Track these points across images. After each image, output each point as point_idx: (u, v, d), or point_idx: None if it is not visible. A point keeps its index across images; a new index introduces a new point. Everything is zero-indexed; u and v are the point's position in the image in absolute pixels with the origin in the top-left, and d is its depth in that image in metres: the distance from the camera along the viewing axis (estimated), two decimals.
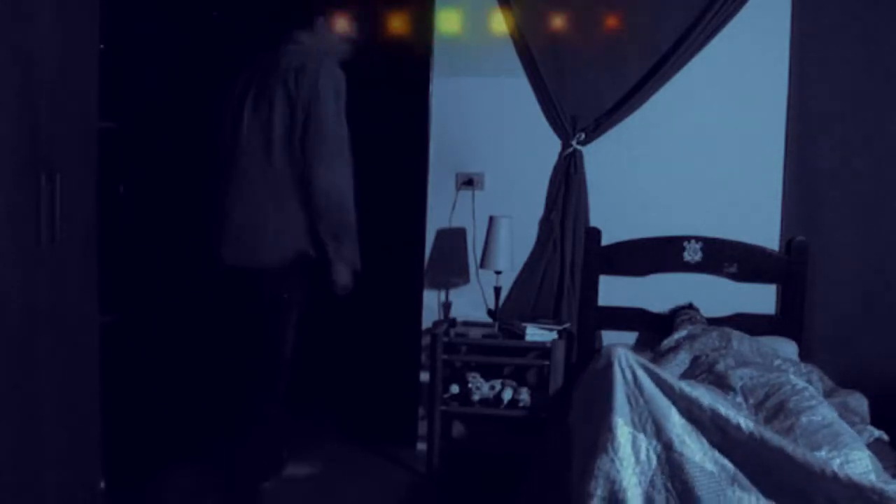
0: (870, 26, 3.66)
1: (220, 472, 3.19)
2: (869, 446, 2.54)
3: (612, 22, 3.78)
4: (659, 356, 3.30)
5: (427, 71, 3.92)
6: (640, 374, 2.46)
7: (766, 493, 2.22)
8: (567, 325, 3.75)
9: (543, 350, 3.58)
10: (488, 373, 3.74)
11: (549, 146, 3.88)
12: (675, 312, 3.76)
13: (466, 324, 3.89)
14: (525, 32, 3.79)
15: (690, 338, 3.40)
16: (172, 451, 3.49)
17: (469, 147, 3.92)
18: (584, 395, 2.79)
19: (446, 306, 3.99)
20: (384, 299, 4.48)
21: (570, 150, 3.83)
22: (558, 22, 3.80)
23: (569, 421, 2.81)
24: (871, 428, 2.83)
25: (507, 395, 3.61)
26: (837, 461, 2.28)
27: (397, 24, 3.66)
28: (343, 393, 4.52)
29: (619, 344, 2.69)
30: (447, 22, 3.88)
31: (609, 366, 2.50)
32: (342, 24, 3.25)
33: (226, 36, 3.96)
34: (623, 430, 2.36)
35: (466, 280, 3.98)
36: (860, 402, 3.07)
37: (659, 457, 2.32)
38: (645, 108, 3.78)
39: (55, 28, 2.35)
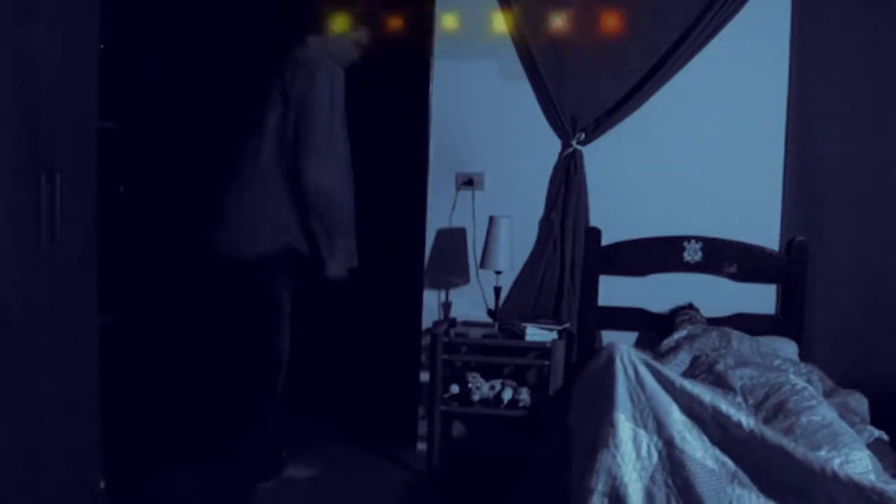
0: (870, 26, 3.66)
1: (220, 472, 3.19)
2: (869, 446, 2.54)
3: (612, 22, 3.78)
4: (659, 356, 3.30)
5: (427, 70, 3.92)
6: (642, 370, 2.46)
7: (766, 491, 2.23)
8: (567, 325, 3.75)
9: (543, 350, 3.58)
10: (488, 373, 3.74)
11: (549, 146, 3.88)
12: (675, 312, 3.76)
13: (466, 324, 3.89)
14: (525, 32, 3.79)
15: (690, 338, 3.40)
16: (172, 451, 3.49)
17: (469, 147, 3.92)
18: (585, 391, 2.80)
19: (446, 306, 3.99)
20: (384, 299, 4.49)
21: (570, 150, 3.83)
22: (558, 22, 3.79)
23: (568, 421, 2.81)
24: (871, 428, 2.83)
25: (507, 395, 3.61)
26: (837, 461, 2.28)
27: (397, 24, 3.65)
28: (343, 393, 4.52)
29: (622, 337, 2.69)
30: (447, 22, 3.88)
31: (611, 362, 2.50)
32: (350, 28, 3.26)
33: (226, 36, 3.96)
34: (625, 426, 2.36)
35: (466, 280, 3.98)
36: (860, 402, 3.07)
37: (660, 453, 2.33)
38: (645, 108, 3.78)
39: (55, 28, 2.36)
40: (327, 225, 3.08)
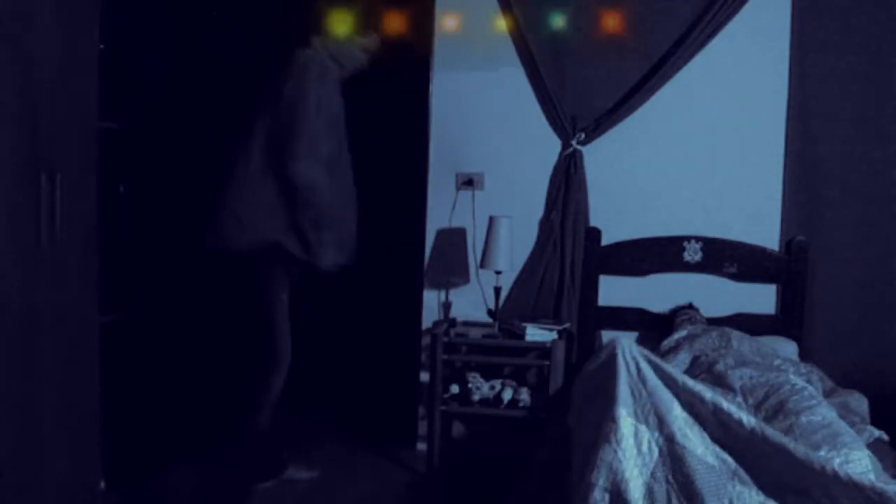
0: (870, 26, 3.65)
1: (220, 472, 3.19)
2: (869, 446, 2.54)
3: (611, 22, 3.78)
4: (659, 356, 3.29)
5: (427, 71, 3.92)
6: (644, 366, 2.46)
7: (767, 489, 2.23)
8: (567, 325, 3.75)
9: (543, 350, 3.58)
10: (488, 373, 3.74)
11: (549, 146, 3.88)
12: (675, 312, 3.76)
13: (466, 324, 3.89)
14: (525, 32, 3.79)
15: (690, 338, 3.39)
16: (172, 451, 3.49)
17: (469, 147, 3.92)
18: (586, 387, 2.80)
19: (446, 306, 3.99)
20: (384, 299, 4.49)
21: (570, 149, 3.83)
22: (558, 22, 3.80)
23: (568, 421, 2.81)
24: (871, 428, 2.83)
25: (507, 395, 3.61)
26: (837, 461, 2.28)
27: (397, 24, 3.65)
28: (343, 393, 4.52)
29: (622, 336, 2.69)
30: (447, 22, 3.88)
31: (613, 357, 2.51)
32: (360, 34, 3.27)
33: (227, 37, 3.96)
34: (626, 422, 2.36)
35: (466, 280, 3.98)
36: (860, 402, 3.07)
37: (661, 449, 2.33)
38: (645, 108, 3.78)
39: (55, 28, 2.36)
40: (314, 219, 3.12)
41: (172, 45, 3.66)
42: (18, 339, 2.29)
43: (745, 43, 3.70)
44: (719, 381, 2.91)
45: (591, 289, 3.86)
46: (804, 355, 3.56)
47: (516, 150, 3.90)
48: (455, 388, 3.66)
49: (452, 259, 3.98)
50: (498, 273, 3.71)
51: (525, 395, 3.62)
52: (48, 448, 2.42)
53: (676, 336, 3.45)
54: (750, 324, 3.64)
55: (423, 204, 3.97)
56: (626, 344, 2.53)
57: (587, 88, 3.80)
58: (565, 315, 3.81)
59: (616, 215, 3.85)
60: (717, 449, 2.32)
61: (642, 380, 2.44)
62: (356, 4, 3.32)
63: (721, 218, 3.78)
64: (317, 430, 4.13)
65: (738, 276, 3.77)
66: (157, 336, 3.57)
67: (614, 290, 3.86)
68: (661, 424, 2.36)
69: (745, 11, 3.67)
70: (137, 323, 3.44)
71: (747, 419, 2.30)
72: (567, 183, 3.84)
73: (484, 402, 3.62)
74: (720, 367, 3.01)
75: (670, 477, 2.29)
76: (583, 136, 3.82)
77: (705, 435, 2.34)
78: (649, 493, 2.27)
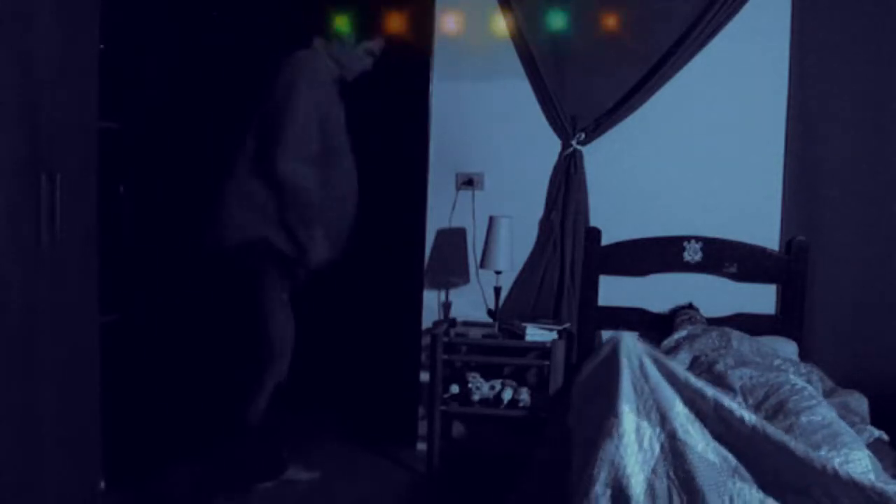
0: (870, 26, 3.65)
1: (220, 472, 3.19)
2: (869, 446, 2.54)
3: (611, 22, 3.78)
4: None
5: (427, 71, 3.92)
6: (646, 361, 2.47)
7: (767, 487, 2.23)
8: (567, 325, 3.75)
9: (543, 350, 3.58)
10: (488, 373, 3.74)
11: (549, 146, 3.88)
12: (675, 312, 3.75)
13: (466, 324, 3.89)
14: (525, 33, 3.79)
15: (690, 338, 3.39)
16: (172, 450, 3.49)
17: (469, 147, 3.92)
18: (588, 384, 2.79)
19: (446, 306, 3.99)
20: (384, 299, 4.49)
21: (570, 150, 3.83)
22: (558, 22, 3.79)
23: (568, 421, 2.81)
24: (871, 428, 2.83)
25: (507, 395, 3.61)
26: (837, 461, 2.28)
27: (397, 24, 3.65)
28: (343, 393, 4.52)
29: (625, 332, 2.68)
30: (447, 22, 3.88)
31: (616, 353, 2.51)
32: (364, 37, 3.28)
33: (227, 37, 3.96)
34: (629, 418, 2.37)
35: (466, 280, 3.98)
36: (860, 402, 3.07)
37: (662, 445, 2.33)
38: (645, 108, 3.78)
39: (55, 28, 2.36)
40: (300, 215, 3.13)
41: (172, 45, 3.66)
42: (18, 339, 2.29)
43: (745, 43, 3.70)
44: (719, 381, 2.91)
45: (591, 289, 3.86)
46: (804, 355, 3.56)
47: (516, 150, 3.90)
48: (455, 388, 3.66)
49: (452, 259, 3.98)
50: (498, 273, 3.71)
51: (525, 395, 3.62)
52: (48, 448, 2.42)
53: (676, 336, 3.45)
54: (750, 324, 3.64)
55: (423, 204, 3.96)
56: (628, 340, 2.53)
57: (587, 88, 3.80)
58: (565, 315, 3.81)
59: (616, 215, 3.85)
60: (718, 446, 2.32)
61: (645, 375, 2.45)
62: (357, 4, 3.32)
63: (721, 218, 3.78)
64: (317, 430, 4.13)
65: (738, 276, 3.77)
66: (157, 336, 3.57)
67: (614, 290, 3.86)
68: (663, 420, 2.36)
69: (745, 11, 3.67)
70: (137, 323, 3.44)
71: (749, 417, 2.30)
72: (567, 183, 3.84)
73: (484, 402, 3.62)
74: (720, 367, 3.01)
75: (671, 473, 2.29)
76: (583, 136, 3.82)
77: (706, 432, 2.35)
78: (650, 489, 2.27)
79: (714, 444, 2.32)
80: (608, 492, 2.27)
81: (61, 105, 2.40)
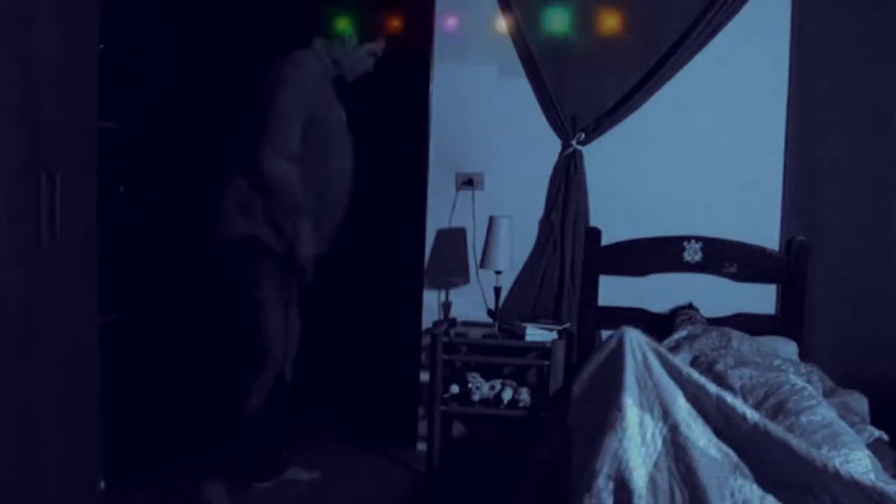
0: (870, 26, 3.66)
1: (220, 472, 3.19)
2: (869, 446, 2.54)
3: (612, 22, 3.78)
4: None
5: (427, 71, 3.92)
6: (650, 356, 2.47)
7: (768, 484, 2.24)
8: (567, 325, 3.75)
9: (543, 350, 3.58)
10: (488, 373, 3.74)
11: (549, 146, 3.88)
12: (675, 312, 3.76)
13: (466, 324, 3.89)
14: (525, 32, 3.79)
15: (690, 338, 3.39)
16: (172, 450, 3.49)
17: (469, 147, 3.92)
18: (591, 381, 2.79)
19: (446, 306, 3.99)
20: (384, 299, 4.49)
21: (570, 150, 3.83)
22: (558, 22, 3.79)
23: (568, 421, 2.81)
24: (871, 428, 2.83)
25: (507, 395, 3.61)
26: (837, 461, 2.28)
27: (397, 23, 3.66)
28: (343, 393, 4.52)
29: (629, 327, 2.69)
30: (447, 22, 3.88)
31: (620, 347, 2.51)
32: (365, 38, 3.29)
33: (227, 37, 3.96)
34: (632, 411, 2.37)
35: (466, 280, 3.98)
36: (860, 402, 3.07)
37: (665, 439, 2.34)
38: (645, 108, 3.78)
39: (55, 28, 2.35)
40: (286, 212, 3.13)
41: (172, 45, 3.65)
42: (18, 339, 2.29)
43: (745, 43, 3.70)
44: (719, 381, 2.90)
45: (591, 289, 3.86)
46: (804, 355, 3.56)
47: (516, 150, 3.90)
48: (455, 388, 3.66)
49: (452, 259, 3.98)
50: (498, 273, 3.71)
51: (525, 395, 3.62)
52: (48, 448, 2.42)
53: (676, 336, 3.45)
54: (750, 324, 3.64)
55: (423, 204, 3.97)
56: (633, 334, 2.54)
57: (587, 88, 3.80)
58: (565, 315, 3.81)
59: (616, 215, 3.85)
60: (720, 442, 2.32)
61: (648, 370, 2.46)
62: (357, 5, 3.32)
63: (721, 218, 3.79)
64: (317, 430, 4.13)
65: (738, 276, 3.78)
66: (157, 336, 3.57)
67: (614, 290, 3.86)
68: (666, 415, 2.37)
69: (745, 11, 3.67)
70: (137, 323, 3.44)
71: (751, 414, 2.31)
72: (567, 183, 3.84)
73: (484, 402, 3.62)
74: (720, 367, 3.01)
75: (673, 467, 2.30)
76: (583, 136, 3.82)
77: (708, 427, 2.36)
78: (652, 483, 2.28)
79: (716, 440, 2.33)
80: (611, 485, 2.27)
81: (61, 105, 2.40)
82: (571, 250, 3.83)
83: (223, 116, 3.37)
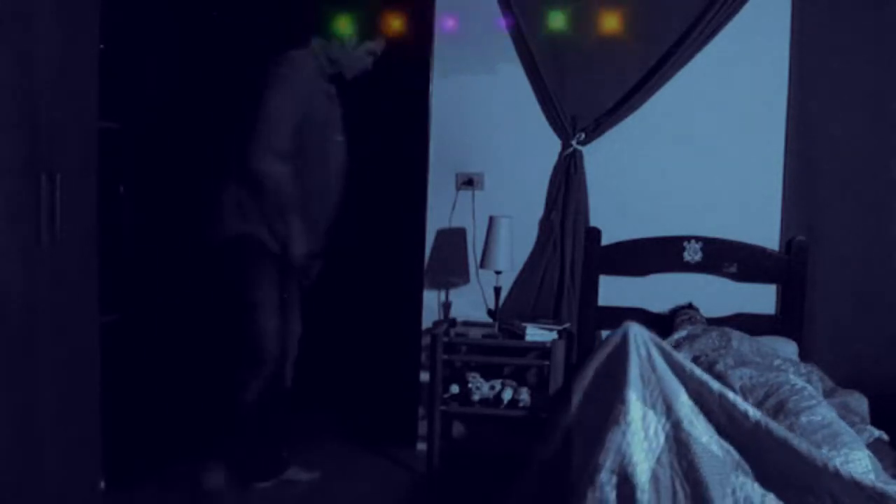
0: (870, 26, 3.66)
1: (220, 472, 3.19)
2: (869, 446, 2.54)
3: (611, 22, 3.77)
4: None
5: (427, 71, 3.92)
6: (654, 351, 2.48)
7: (769, 482, 2.24)
8: (567, 325, 3.75)
9: (543, 350, 3.58)
10: (488, 373, 3.74)
11: (549, 146, 3.88)
12: (675, 312, 3.76)
13: (466, 324, 3.89)
14: (525, 32, 3.79)
15: (690, 338, 3.39)
16: (172, 450, 3.49)
17: (469, 147, 3.92)
18: (596, 371, 2.79)
19: (446, 306, 3.99)
20: (384, 299, 4.49)
21: (570, 149, 3.83)
22: (558, 21, 3.79)
23: (568, 421, 2.81)
24: (871, 428, 2.83)
25: (507, 395, 3.61)
26: (837, 461, 2.29)
27: (397, 24, 3.66)
28: (343, 393, 4.52)
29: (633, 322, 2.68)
30: (447, 22, 3.88)
31: (625, 341, 2.52)
32: (364, 37, 3.28)
33: (227, 37, 3.96)
34: (635, 405, 2.38)
35: (466, 280, 3.98)
36: (860, 402, 3.07)
37: (667, 435, 2.34)
38: (645, 108, 3.78)
39: (55, 28, 2.36)
40: (277, 210, 3.14)
41: (172, 45, 3.65)
42: (18, 339, 2.29)
43: (745, 43, 3.70)
44: (719, 381, 2.90)
45: (591, 289, 3.86)
46: (804, 355, 3.56)
47: (516, 150, 3.90)
48: (455, 388, 3.66)
49: (452, 259, 3.98)
50: (498, 273, 3.71)
51: (525, 395, 3.62)
52: (48, 448, 2.42)
53: (676, 336, 3.45)
54: (750, 324, 3.64)
55: (423, 204, 3.96)
56: (637, 329, 2.54)
57: (587, 88, 3.80)
58: (565, 315, 3.81)
59: (616, 215, 3.85)
60: (722, 440, 2.33)
61: (652, 365, 2.46)
62: (357, 4, 3.32)
63: (721, 218, 3.79)
64: (317, 430, 4.13)
65: (738, 276, 3.78)
66: (156, 336, 3.57)
67: (614, 290, 3.86)
68: (669, 411, 2.38)
69: (746, 11, 3.67)
70: (137, 323, 3.44)
71: (752, 412, 2.31)
72: (567, 183, 3.84)
73: (484, 402, 3.62)
74: (720, 367, 3.01)
75: (675, 464, 2.30)
76: (583, 136, 3.82)
77: (711, 425, 2.36)
78: (655, 478, 2.28)
79: (718, 437, 2.34)
80: (614, 479, 2.28)
81: (61, 105, 2.40)
82: (571, 250, 3.83)
83: (223, 116, 3.38)
